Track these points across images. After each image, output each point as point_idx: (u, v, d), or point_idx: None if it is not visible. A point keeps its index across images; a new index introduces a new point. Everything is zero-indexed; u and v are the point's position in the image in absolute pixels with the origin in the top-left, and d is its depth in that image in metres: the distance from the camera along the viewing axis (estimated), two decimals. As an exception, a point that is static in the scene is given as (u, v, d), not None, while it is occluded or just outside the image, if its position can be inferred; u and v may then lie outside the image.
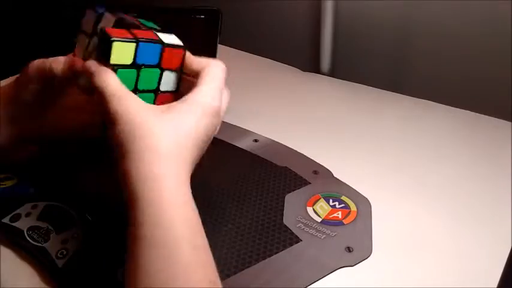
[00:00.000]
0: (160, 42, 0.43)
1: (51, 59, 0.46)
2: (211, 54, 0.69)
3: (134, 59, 0.42)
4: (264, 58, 0.92)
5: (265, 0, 1.02)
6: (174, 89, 0.45)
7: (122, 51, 0.41)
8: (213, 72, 0.44)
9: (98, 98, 0.40)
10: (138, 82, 0.43)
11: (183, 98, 0.42)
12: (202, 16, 0.65)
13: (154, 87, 0.44)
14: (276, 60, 0.91)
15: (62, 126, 0.51)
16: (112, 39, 0.40)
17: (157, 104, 0.43)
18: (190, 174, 0.41)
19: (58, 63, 0.45)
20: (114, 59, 0.41)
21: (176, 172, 0.39)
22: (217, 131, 0.45)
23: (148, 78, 0.43)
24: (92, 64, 0.42)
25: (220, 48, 0.66)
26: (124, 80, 0.41)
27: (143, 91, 0.43)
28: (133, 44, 0.41)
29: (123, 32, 0.42)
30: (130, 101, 0.40)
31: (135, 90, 0.42)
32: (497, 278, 0.45)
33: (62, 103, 0.50)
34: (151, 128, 0.39)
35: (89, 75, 0.41)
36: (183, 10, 0.65)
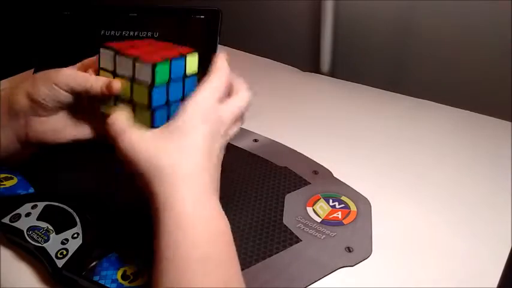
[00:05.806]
0: (182, 54, 0.45)
1: (93, 77, 0.47)
2: (211, 54, 0.69)
3: (170, 76, 0.44)
4: (264, 58, 0.92)
5: (265, 0, 1.02)
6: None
7: (162, 72, 0.43)
8: (210, 80, 0.45)
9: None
10: (169, 95, 0.44)
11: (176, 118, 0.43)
12: (202, 16, 0.65)
13: (180, 96, 0.46)
14: (276, 60, 0.91)
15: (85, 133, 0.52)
16: (154, 63, 0.42)
17: None
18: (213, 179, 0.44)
19: (97, 81, 0.46)
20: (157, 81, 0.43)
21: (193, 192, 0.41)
22: (228, 135, 0.46)
23: (176, 89, 0.45)
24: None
25: (220, 48, 0.66)
26: (158, 97, 0.43)
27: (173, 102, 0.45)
28: (168, 63, 0.43)
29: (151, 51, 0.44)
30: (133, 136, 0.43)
31: (167, 103, 0.44)
32: (497, 278, 0.45)
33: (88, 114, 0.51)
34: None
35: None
36: (183, 10, 0.64)
